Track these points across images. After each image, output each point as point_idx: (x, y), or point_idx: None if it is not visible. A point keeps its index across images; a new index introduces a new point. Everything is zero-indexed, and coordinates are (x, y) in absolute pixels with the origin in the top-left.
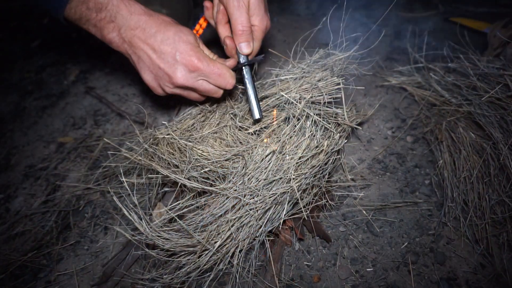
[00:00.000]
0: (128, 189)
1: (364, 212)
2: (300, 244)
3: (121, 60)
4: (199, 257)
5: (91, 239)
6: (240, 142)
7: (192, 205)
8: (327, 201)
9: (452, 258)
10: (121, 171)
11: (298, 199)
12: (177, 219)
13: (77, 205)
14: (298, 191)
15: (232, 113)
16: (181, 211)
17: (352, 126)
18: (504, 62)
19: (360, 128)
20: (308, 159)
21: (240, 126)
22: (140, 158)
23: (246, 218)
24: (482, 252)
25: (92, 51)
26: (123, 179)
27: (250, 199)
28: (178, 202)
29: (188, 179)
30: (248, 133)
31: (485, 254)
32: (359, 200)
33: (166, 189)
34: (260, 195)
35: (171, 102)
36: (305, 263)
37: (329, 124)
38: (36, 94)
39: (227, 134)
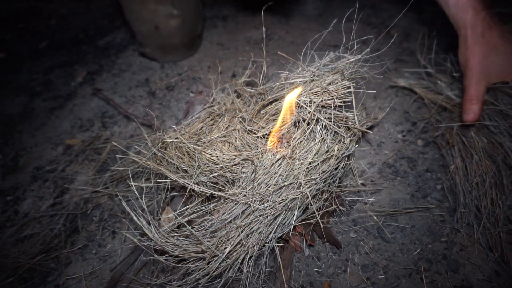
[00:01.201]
0: (137, 193)
1: (375, 217)
2: (310, 250)
3: (129, 61)
4: (208, 263)
5: (99, 243)
6: (249, 146)
7: (201, 210)
8: (337, 207)
9: (466, 266)
10: (130, 175)
11: (308, 204)
12: (186, 225)
13: (85, 208)
14: (309, 197)
15: (240, 117)
16: (190, 216)
17: (363, 130)
18: None
19: (371, 132)
20: (318, 164)
21: (249, 130)
22: (149, 162)
23: (256, 224)
24: (497, 260)
25: (100, 52)
26: (131, 183)
27: (260, 204)
28: (186, 207)
29: (197, 184)
30: (257, 136)
31: (499, 262)
32: (370, 205)
33: (175, 193)
34: (270, 201)
35: (180, 104)
36: (315, 269)
37: (340, 128)
38: (45, 96)
39: (236, 138)
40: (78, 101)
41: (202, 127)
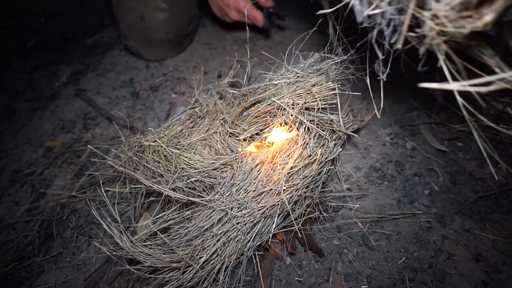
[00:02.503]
0: (107, 200)
1: (360, 224)
2: (291, 258)
3: (115, 61)
4: (183, 273)
5: (73, 251)
6: (231, 150)
7: (178, 216)
8: (320, 213)
9: (452, 275)
10: (101, 182)
11: (289, 212)
12: (159, 234)
13: (61, 214)
14: (289, 204)
15: (222, 119)
16: (167, 223)
17: (348, 133)
18: None
19: (356, 135)
20: (300, 169)
21: (230, 133)
22: (123, 167)
23: (233, 232)
24: (484, 269)
25: (86, 51)
26: (102, 189)
27: (238, 211)
28: (162, 214)
29: (174, 189)
30: (239, 139)
31: (486, 271)
32: (355, 211)
33: (152, 198)
34: (249, 208)
35: (163, 105)
36: (296, 278)
37: (324, 131)
38: (27, 96)
39: (217, 141)
40: (61, 102)
41: (182, 130)
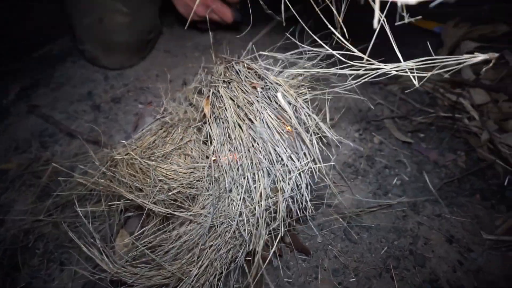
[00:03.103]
0: (84, 219)
1: (341, 219)
2: (278, 260)
3: (69, 73)
4: None
5: (44, 279)
6: (206, 157)
7: (159, 230)
8: (303, 214)
9: (431, 259)
10: (75, 200)
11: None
12: (148, 252)
13: (26, 241)
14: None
15: (194, 127)
16: (148, 238)
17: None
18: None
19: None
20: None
21: (204, 141)
22: (98, 182)
23: (223, 244)
24: (458, 249)
25: (34, 65)
26: (77, 208)
27: (227, 227)
28: (143, 229)
29: (155, 203)
30: (214, 146)
31: (460, 251)
32: (334, 207)
33: (129, 214)
34: (234, 221)
35: (128, 117)
36: (285, 280)
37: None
38: None
39: (192, 149)
40: (12, 120)
41: (155, 140)
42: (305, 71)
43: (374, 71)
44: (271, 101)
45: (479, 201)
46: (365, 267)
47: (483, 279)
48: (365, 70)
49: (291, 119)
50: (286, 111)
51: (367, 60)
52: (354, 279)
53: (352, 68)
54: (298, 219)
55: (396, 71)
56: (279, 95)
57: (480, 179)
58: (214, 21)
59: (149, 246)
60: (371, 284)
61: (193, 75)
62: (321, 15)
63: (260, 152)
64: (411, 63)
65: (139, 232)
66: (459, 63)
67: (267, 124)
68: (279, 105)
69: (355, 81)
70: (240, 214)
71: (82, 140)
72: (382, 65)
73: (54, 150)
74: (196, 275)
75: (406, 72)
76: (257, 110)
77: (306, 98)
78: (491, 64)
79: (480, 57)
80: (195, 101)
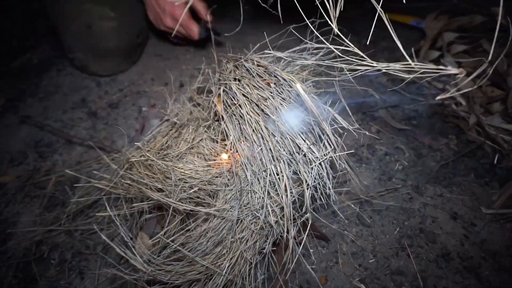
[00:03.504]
0: (117, 220)
1: (353, 206)
2: (299, 248)
3: (56, 82)
4: (204, 285)
5: None
6: (220, 154)
7: (182, 229)
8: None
9: (440, 235)
10: (106, 203)
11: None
12: (180, 249)
13: (40, 252)
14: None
15: (205, 126)
16: (174, 236)
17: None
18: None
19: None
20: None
21: (215, 139)
22: (120, 185)
23: (251, 236)
24: (462, 225)
25: (16, 75)
26: (111, 212)
27: (253, 218)
28: (166, 228)
29: (179, 201)
30: (225, 145)
31: (464, 226)
32: (345, 195)
33: (147, 216)
34: (262, 213)
35: (129, 121)
36: (308, 267)
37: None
38: None
39: (204, 147)
40: (2, 133)
41: (167, 141)
42: (312, 62)
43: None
44: (284, 95)
45: (474, 180)
46: (381, 248)
47: (488, 250)
48: (360, 65)
49: (312, 109)
50: (306, 101)
51: (362, 57)
52: (373, 260)
53: (347, 62)
54: (313, 207)
55: (386, 69)
56: (298, 86)
57: (472, 160)
58: (182, 35)
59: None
60: (389, 263)
61: (189, 76)
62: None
63: (280, 144)
64: (398, 65)
65: (163, 231)
66: (435, 72)
67: (284, 117)
68: (293, 99)
69: (351, 74)
70: (263, 206)
71: (94, 146)
72: (374, 63)
73: (54, 160)
74: (229, 267)
75: (395, 72)
76: (272, 105)
77: (316, 92)
78: (462, 76)
79: (451, 70)
80: (201, 101)
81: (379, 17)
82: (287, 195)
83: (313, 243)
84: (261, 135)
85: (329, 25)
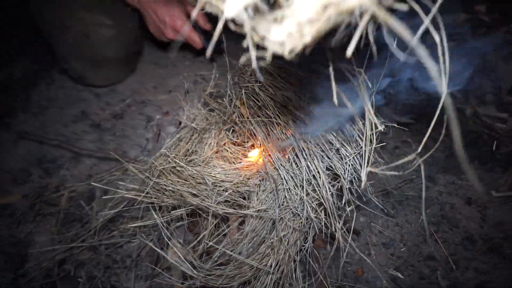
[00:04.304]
0: (163, 228)
1: (374, 199)
2: (331, 245)
3: (49, 95)
4: (253, 287)
5: None
6: (244, 156)
7: (219, 234)
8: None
9: (461, 220)
10: (153, 210)
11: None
12: (228, 251)
13: (64, 272)
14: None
15: (226, 129)
16: (214, 241)
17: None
18: None
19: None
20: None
21: (236, 142)
22: (148, 195)
23: (290, 233)
24: (477, 209)
25: (2, 92)
26: (159, 219)
27: (293, 216)
28: (202, 234)
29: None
30: (245, 147)
31: (479, 210)
32: (363, 189)
33: (177, 224)
34: (303, 210)
35: (139, 131)
36: (343, 261)
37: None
38: None
39: (227, 150)
40: None
41: (191, 147)
42: None
43: None
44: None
45: (479, 166)
46: (409, 236)
47: (505, 230)
48: None
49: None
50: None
51: None
52: (404, 248)
53: None
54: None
55: None
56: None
57: (474, 148)
58: (186, 43)
59: (211, 249)
60: (420, 250)
61: (193, 83)
62: None
63: (311, 142)
64: None
65: (200, 237)
66: None
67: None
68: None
69: None
70: (303, 203)
71: (116, 155)
72: None
73: (61, 175)
74: (276, 265)
75: None
76: (300, 105)
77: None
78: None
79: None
80: (217, 105)
81: None
82: (326, 191)
83: (344, 237)
84: (289, 133)
85: None
